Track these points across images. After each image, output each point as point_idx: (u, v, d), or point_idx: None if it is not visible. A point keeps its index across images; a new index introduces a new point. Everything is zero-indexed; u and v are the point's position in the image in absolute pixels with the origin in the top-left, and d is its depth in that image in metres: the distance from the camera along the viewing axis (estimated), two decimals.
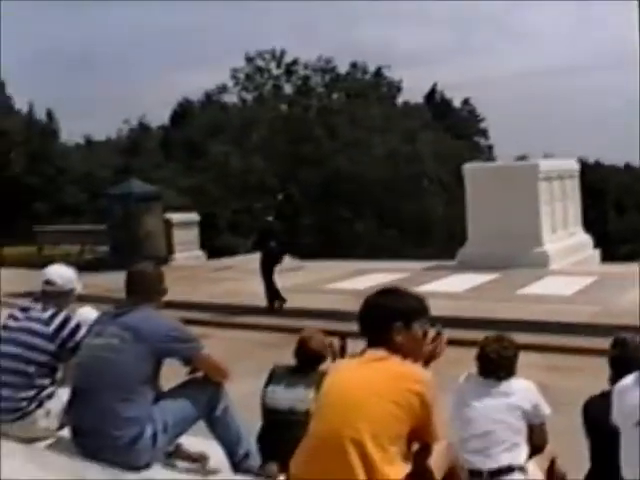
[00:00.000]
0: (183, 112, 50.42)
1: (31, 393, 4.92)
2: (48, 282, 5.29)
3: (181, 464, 4.93)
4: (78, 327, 5.03)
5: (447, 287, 15.99)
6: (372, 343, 3.43)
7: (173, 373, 4.79)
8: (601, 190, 44.84)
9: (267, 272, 15.45)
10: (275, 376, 5.53)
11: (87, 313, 5.65)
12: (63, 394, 4.91)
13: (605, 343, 5.17)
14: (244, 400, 5.32)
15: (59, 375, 5.15)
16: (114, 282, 15.47)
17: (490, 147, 58.94)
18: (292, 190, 41.02)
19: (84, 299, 6.04)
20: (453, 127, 53.08)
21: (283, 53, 47.91)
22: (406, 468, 3.22)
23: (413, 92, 66.46)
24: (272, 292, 15.35)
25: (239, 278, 19.19)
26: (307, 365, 5.39)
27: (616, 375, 4.37)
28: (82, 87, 71.91)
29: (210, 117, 47.24)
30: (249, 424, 4.99)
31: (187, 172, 43.20)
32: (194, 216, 26.47)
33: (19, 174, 37.10)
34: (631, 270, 15.65)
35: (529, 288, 15.51)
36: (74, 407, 4.54)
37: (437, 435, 3.39)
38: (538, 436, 4.98)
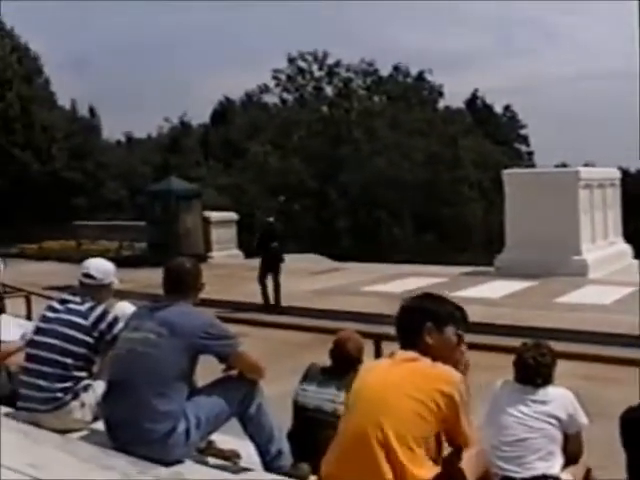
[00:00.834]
0: (224, 111, 50.61)
1: (67, 384, 4.94)
2: (87, 275, 5.31)
3: (213, 461, 4.92)
4: (116, 320, 5.05)
5: (484, 293, 15.91)
6: (404, 344, 3.45)
7: (208, 370, 4.79)
8: None
9: (273, 272, 15.80)
10: (310, 375, 5.52)
11: (125, 307, 5.66)
12: (98, 387, 4.94)
13: None
14: (279, 400, 5.31)
15: (95, 368, 5.17)
16: (151, 278, 15.68)
17: (530, 154, 58.60)
18: (330, 191, 41.07)
19: (121, 294, 6.06)
20: (494, 133, 52.83)
21: (325, 55, 48.01)
22: (435, 470, 3.17)
23: (454, 97, 66.24)
24: (278, 292, 15.76)
25: None
26: (342, 367, 5.35)
27: None
28: (125, 84, 72.42)
29: (250, 117, 47.40)
30: (283, 424, 4.98)
31: (226, 171, 43.38)
32: (232, 215, 26.58)
33: (60, 169, 37.41)
34: None
35: (567, 297, 15.37)
36: (109, 400, 4.56)
37: (468, 439, 3.32)
38: (574, 446, 4.90)
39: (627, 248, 21.35)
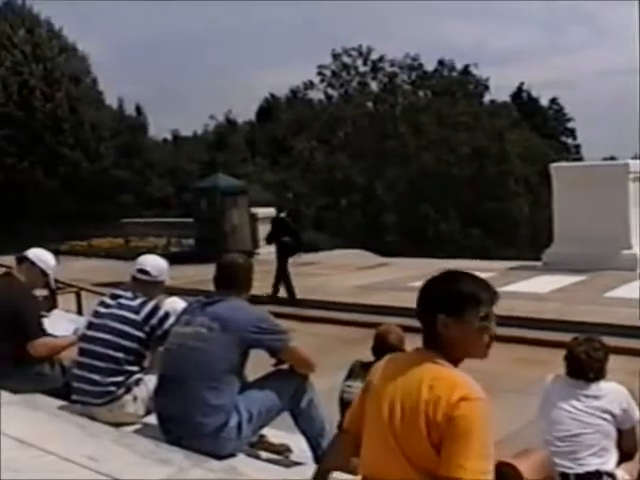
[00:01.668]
0: (269, 108, 50.76)
1: (120, 379, 5.01)
2: (142, 271, 5.36)
3: (264, 455, 4.95)
4: (167, 316, 5.10)
5: (532, 288, 15.77)
6: (424, 338, 2.97)
7: (259, 364, 4.81)
8: None
9: (281, 265, 16.16)
10: (354, 371, 5.56)
11: (174, 303, 5.71)
12: (150, 381, 4.99)
13: None
14: (327, 395, 5.32)
15: (146, 362, 5.23)
16: (199, 274, 15.79)
17: (577, 147, 58.00)
18: (376, 186, 41.02)
19: (169, 290, 6.11)
20: (540, 126, 52.36)
21: (370, 50, 47.91)
22: None
23: (500, 90, 65.80)
24: (288, 284, 16.07)
25: (322, 274, 19.26)
26: None
27: None
28: (171, 82, 72.89)
29: (296, 113, 47.48)
30: (333, 418, 4.99)
31: (272, 168, 43.52)
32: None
33: (108, 167, 37.82)
34: None
35: (616, 291, 15.17)
36: (161, 394, 4.60)
37: (467, 472, 2.63)
38: (628, 441, 4.82)
39: None
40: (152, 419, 4.89)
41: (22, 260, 6.06)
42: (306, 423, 4.68)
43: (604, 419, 4.73)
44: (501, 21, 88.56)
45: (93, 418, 4.94)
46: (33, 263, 6.02)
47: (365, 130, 44.99)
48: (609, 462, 4.70)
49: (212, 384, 4.34)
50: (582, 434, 4.69)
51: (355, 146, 44.22)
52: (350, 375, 5.58)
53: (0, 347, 5.51)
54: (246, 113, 60.43)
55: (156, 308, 5.14)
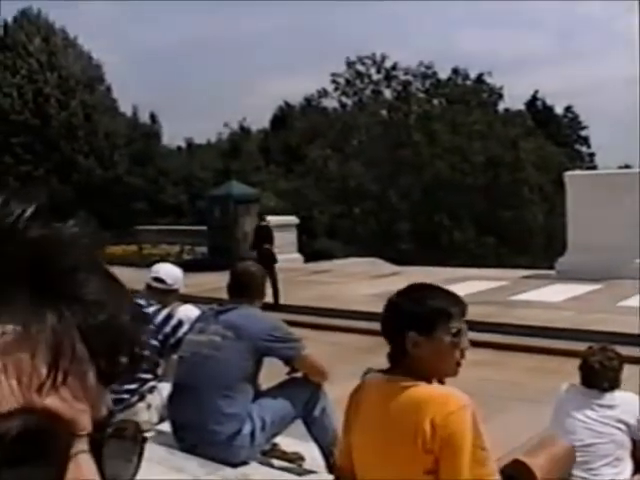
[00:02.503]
0: (283, 116, 50.81)
1: (133, 386, 5.02)
2: (156, 279, 5.39)
3: (277, 463, 4.95)
4: (180, 324, 5.12)
5: (546, 296, 15.72)
6: (391, 356, 2.91)
7: (273, 372, 4.82)
8: None
9: (268, 272, 16.12)
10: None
11: (188, 310, 5.73)
12: (163, 389, 5.01)
13: None
14: (341, 403, 5.31)
15: (160, 370, 5.24)
16: (212, 282, 15.80)
17: (592, 155, 57.79)
18: (390, 194, 41.02)
19: (182, 298, 6.13)
20: (555, 135, 52.22)
21: (384, 58, 47.91)
22: None
23: (514, 99, 65.68)
24: (276, 290, 16.12)
25: (336, 282, 19.25)
26: None
27: None
28: (185, 90, 73.19)
29: (310, 121, 47.51)
30: None
31: (286, 176, 43.55)
32: (293, 219, 26.64)
33: (122, 174, 37.96)
34: None
35: (631, 300, 15.08)
36: (175, 401, 4.62)
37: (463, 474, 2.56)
38: None
39: None
40: (166, 427, 4.90)
41: None
42: (319, 431, 4.69)
43: (618, 429, 4.70)
44: (515, 28, 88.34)
45: None
46: None
47: (379, 138, 44.98)
48: (624, 472, 4.67)
49: (226, 392, 4.37)
50: (596, 444, 4.66)
51: (369, 154, 44.20)
52: None
53: None
54: (260, 121, 60.48)
55: (170, 316, 5.17)
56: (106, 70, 39.47)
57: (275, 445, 5.02)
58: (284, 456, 5.05)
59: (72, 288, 0.58)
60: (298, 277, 21.01)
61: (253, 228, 18.38)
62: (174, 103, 71.21)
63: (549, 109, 57.76)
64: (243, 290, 4.69)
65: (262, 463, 4.66)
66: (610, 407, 4.76)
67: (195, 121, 71.37)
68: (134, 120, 43.76)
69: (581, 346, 5.28)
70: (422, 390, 2.72)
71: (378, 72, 48.35)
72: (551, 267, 19.41)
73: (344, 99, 49.22)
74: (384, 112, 48.42)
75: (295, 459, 5.05)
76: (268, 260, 16.22)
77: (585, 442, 4.69)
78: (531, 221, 42.82)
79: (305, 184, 42.04)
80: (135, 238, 29.82)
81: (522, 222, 42.14)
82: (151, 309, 5.13)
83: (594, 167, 49.01)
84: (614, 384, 4.86)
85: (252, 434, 4.42)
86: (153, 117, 45.43)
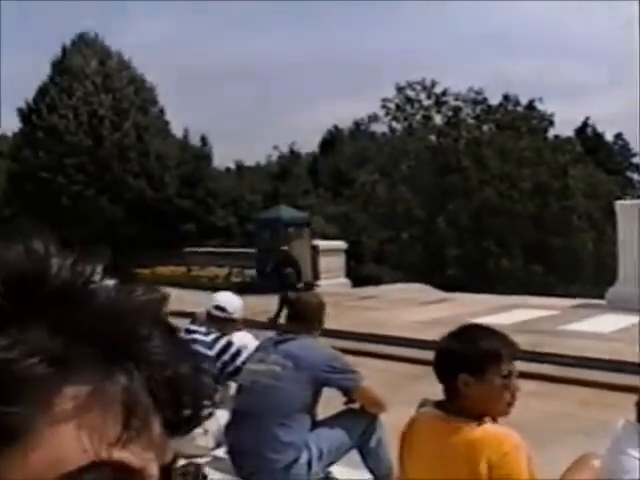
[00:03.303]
0: (333, 140, 51.01)
1: None
2: (218, 307, 5.49)
3: None
4: (239, 352, 5.21)
5: (596, 327, 15.58)
6: (445, 396, 2.99)
7: (330, 402, 4.88)
8: None
9: (283, 294, 16.29)
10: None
11: (243, 337, 5.82)
12: (221, 415, 5.08)
13: None
14: (395, 430, 5.35)
15: (217, 397, 5.32)
16: (261, 305, 15.90)
17: None
18: (438, 220, 40.92)
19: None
20: (604, 162, 51.82)
21: (434, 84, 47.96)
22: None
23: (565, 125, 65.29)
24: (280, 309, 15.85)
25: (383, 307, 19.26)
26: None
27: None
28: (236, 113, 73.79)
29: (359, 146, 47.64)
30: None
31: (335, 200, 43.67)
32: (341, 244, 26.72)
33: (172, 196, 38.33)
34: None
35: None
36: (234, 428, 4.70)
37: None
38: None
39: None
40: (221, 452, 4.97)
41: None
42: (374, 462, 4.74)
43: None
44: (567, 56, 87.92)
45: None
46: None
47: (427, 164, 44.97)
48: None
49: (284, 421, 4.44)
50: None
51: (417, 180, 44.20)
52: None
53: None
54: (309, 144, 60.82)
55: (229, 344, 5.26)
56: (159, 92, 40.02)
57: (329, 474, 5.07)
58: None
59: (141, 350, 0.63)
60: (345, 302, 21.04)
61: (277, 253, 19.45)
62: (224, 125, 71.76)
63: (599, 136, 57.37)
64: (302, 320, 4.77)
65: None
66: None
67: (245, 143, 71.89)
68: (185, 142, 44.20)
69: (636, 380, 5.25)
70: (476, 430, 2.79)
71: (428, 97, 48.39)
72: (601, 296, 19.26)
73: (394, 124, 49.33)
74: (433, 137, 48.41)
75: None
76: (287, 284, 16.60)
77: None
78: (580, 249, 42.43)
79: (353, 209, 42.13)
80: (183, 259, 30.05)
81: (571, 250, 41.79)
82: (210, 337, 5.23)
83: None
84: None
85: (309, 463, 4.48)
86: (204, 139, 45.88)
